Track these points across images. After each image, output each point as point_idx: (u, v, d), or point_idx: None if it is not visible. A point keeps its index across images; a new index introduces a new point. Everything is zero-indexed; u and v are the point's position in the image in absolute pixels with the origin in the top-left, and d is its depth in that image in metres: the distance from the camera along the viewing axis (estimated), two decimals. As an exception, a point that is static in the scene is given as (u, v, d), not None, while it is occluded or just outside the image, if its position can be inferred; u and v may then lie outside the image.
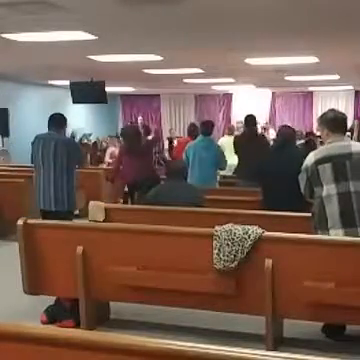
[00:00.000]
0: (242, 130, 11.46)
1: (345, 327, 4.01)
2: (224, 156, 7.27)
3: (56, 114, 5.75)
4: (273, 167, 5.22)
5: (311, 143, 9.18)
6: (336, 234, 3.76)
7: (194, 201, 4.97)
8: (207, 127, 7.41)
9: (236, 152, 7.47)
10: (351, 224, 3.75)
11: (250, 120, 7.57)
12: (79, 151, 5.95)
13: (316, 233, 3.89)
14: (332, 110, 4.25)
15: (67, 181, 5.52)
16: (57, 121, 5.65)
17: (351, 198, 3.76)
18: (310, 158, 3.99)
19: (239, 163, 7.50)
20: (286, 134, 5.48)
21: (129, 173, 7.15)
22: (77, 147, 6.04)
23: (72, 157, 5.57)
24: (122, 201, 8.12)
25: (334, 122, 4.02)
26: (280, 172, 5.07)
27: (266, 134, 13.57)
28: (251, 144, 7.13)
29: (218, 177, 7.93)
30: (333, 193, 3.80)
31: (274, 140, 6.07)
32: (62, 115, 5.78)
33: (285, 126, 6.25)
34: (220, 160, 7.18)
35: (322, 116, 4.15)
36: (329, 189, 3.82)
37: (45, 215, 5.55)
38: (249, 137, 7.41)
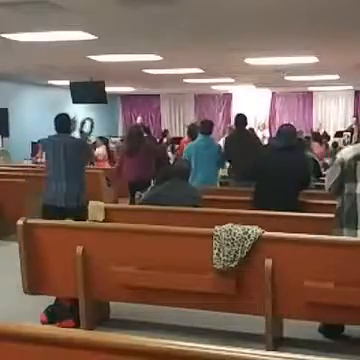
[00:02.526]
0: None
1: (343, 327, 4.01)
2: (224, 155, 7.26)
3: (61, 115, 5.83)
4: (271, 166, 5.10)
5: (302, 143, 9.09)
6: None
7: (192, 202, 4.97)
8: (206, 126, 7.41)
9: (227, 153, 7.33)
10: None
11: (240, 120, 7.49)
12: (88, 149, 6.10)
13: (338, 231, 3.82)
14: None
15: (78, 180, 5.69)
16: (63, 122, 5.74)
17: None
18: (348, 152, 3.85)
19: (231, 164, 7.47)
20: (289, 133, 5.33)
21: (130, 173, 7.17)
22: (86, 145, 6.12)
23: (82, 156, 5.74)
24: (129, 201, 8.03)
25: None
26: (279, 171, 4.99)
27: (261, 133, 13.63)
28: (242, 144, 7.09)
29: (218, 176, 7.92)
30: None
31: (274, 138, 5.93)
32: (67, 115, 5.85)
33: (287, 125, 6.11)
34: (221, 159, 7.18)
35: None
36: None
37: (54, 212, 5.56)
38: (240, 137, 7.35)
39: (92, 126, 6.09)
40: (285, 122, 16.94)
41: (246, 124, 7.58)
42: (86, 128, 6.01)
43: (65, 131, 5.69)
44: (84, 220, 4.94)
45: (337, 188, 3.90)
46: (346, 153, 3.86)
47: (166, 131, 15.85)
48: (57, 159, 5.63)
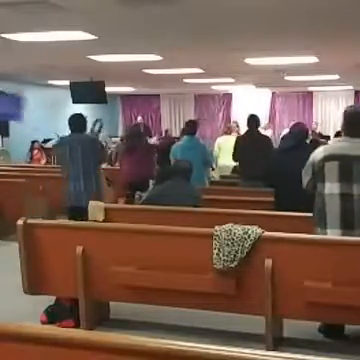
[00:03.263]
0: (237, 130, 11.46)
1: (344, 327, 4.01)
2: (211, 154, 7.21)
3: (75, 115, 5.96)
4: (284, 167, 5.01)
5: (315, 143, 9.11)
6: (333, 234, 3.75)
7: (193, 202, 4.98)
8: (191, 127, 7.38)
9: (235, 152, 7.38)
10: (350, 226, 3.74)
11: (252, 120, 7.44)
12: (102, 148, 6.29)
13: (315, 230, 3.87)
14: (352, 106, 4.11)
15: (95, 178, 5.83)
16: (77, 122, 5.87)
17: (353, 200, 3.74)
18: (318, 153, 3.91)
19: (241, 164, 7.43)
20: (299, 133, 5.26)
21: (130, 173, 7.16)
22: (100, 145, 6.29)
23: (97, 155, 5.89)
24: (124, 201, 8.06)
25: (351, 119, 3.89)
26: (292, 172, 4.93)
27: (264, 133, 13.58)
28: (254, 145, 7.08)
29: (212, 176, 7.89)
30: (336, 192, 3.76)
31: (284, 138, 5.84)
32: (81, 115, 5.98)
33: (298, 123, 6.04)
34: (207, 159, 7.15)
35: (344, 111, 4.00)
36: (332, 188, 3.78)
37: (74, 212, 5.65)
38: (252, 138, 7.34)
39: (101, 127, 6.22)
40: (285, 122, 17.03)
41: (258, 126, 7.53)
42: (96, 128, 6.14)
43: (80, 130, 5.82)
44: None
45: (311, 188, 3.99)
46: (317, 154, 3.93)
47: (167, 132, 15.83)
48: (75, 159, 5.73)
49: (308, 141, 9.46)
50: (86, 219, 5.04)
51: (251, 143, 7.15)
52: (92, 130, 6.10)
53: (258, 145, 7.01)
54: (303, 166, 4.88)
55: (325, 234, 3.80)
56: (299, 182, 4.85)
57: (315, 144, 8.22)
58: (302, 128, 5.44)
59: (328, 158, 3.83)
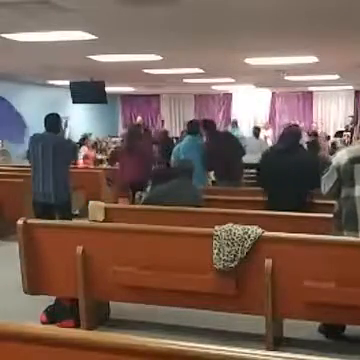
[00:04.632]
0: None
1: (344, 327, 4.02)
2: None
3: (51, 115, 5.99)
4: (279, 168, 5.02)
5: (316, 144, 9.11)
6: None
7: (196, 202, 4.98)
8: (193, 127, 7.38)
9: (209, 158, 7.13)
10: None
11: (210, 126, 7.46)
12: (74, 150, 6.57)
13: (338, 234, 3.82)
14: None
15: (64, 176, 5.88)
16: (52, 122, 5.92)
17: None
18: (342, 156, 3.84)
19: (215, 168, 7.32)
20: (294, 135, 5.26)
21: (130, 173, 7.16)
22: (72, 147, 6.51)
23: (67, 156, 6.04)
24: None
25: None
26: (286, 174, 4.92)
27: (262, 134, 13.59)
28: (220, 147, 7.03)
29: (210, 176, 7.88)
30: None
31: (279, 140, 5.83)
32: (57, 115, 6.02)
33: (292, 125, 6.03)
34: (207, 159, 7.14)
35: None
36: None
37: (43, 208, 5.74)
38: (215, 141, 7.21)
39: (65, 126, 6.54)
40: (285, 122, 17.02)
41: (215, 128, 7.59)
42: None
43: (53, 129, 5.88)
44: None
45: (336, 192, 3.89)
46: (341, 157, 3.86)
47: (163, 122, 15.71)
48: (46, 157, 5.78)
49: (304, 143, 9.52)
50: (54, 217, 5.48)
51: (214, 145, 7.04)
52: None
53: (222, 146, 6.95)
54: (297, 169, 4.87)
55: (356, 237, 3.73)
56: (291, 185, 4.85)
57: (315, 146, 8.23)
58: (293, 131, 5.42)
59: (354, 161, 3.76)
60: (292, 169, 4.91)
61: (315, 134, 12.09)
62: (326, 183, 3.94)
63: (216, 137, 7.34)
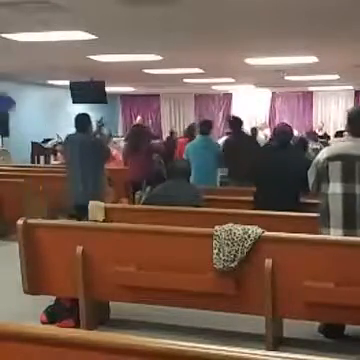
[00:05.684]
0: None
1: (344, 327, 4.01)
2: (222, 159, 7.24)
3: (80, 115, 6.08)
4: (270, 166, 5.08)
5: (303, 144, 9.06)
6: (336, 233, 3.76)
7: (194, 201, 4.97)
8: (206, 127, 7.42)
9: (225, 158, 7.28)
10: (352, 226, 3.74)
11: (236, 123, 7.57)
12: (104, 149, 6.38)
13: (320, 231, 3.87)
14: (356, 106, 4.17)
15: (96, 177, 5.95)
16: (81, 122, 6.00)
17: (356, 200, 3.74)
18: (322, 153, 3.93)
19: (230, 165, 7.42)
20: (284, 133, 5.30)
21: (132, 172, 7.19)
22: (102, 146, 6.40)
23: (98, 156, 6.02)
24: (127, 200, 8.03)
25: (354, 118, 3.94)
26: (277, 172, 4.96)
27: (261, 133, 13.58)
28: (240, 146, 7.09)
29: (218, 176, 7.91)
30: (339, 192, 3.77)
31: (271, 139, 5.90)
32: (86, 115, 6.08)
33: (283, 124, 6.11)
34: (220, 159, 7.17)
35: (348, 110, 4.09)
36: (335, 187, 3.79)
37: (79, 210, 5.70)
38: (236, 142, 7.35)
39: (102, 126, 6.47)
40: (285, 122, 17.02)
41: (242, 126, 7.64)
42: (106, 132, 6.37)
43: (83, 129, 5.94)
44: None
45: (317, 188, 4.00)
46: (321, 155, 3.94)
47: (172, 134, 15.55)
48: (76, 158, 5.86)
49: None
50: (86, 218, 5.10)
51: (238, 145, 7.19)
52: (99, 133, 6.25)
53: (244, 146, 7.05)
54: (287, 167, 4.92)
55: (328, 234, 3.80)
56: (280, 183, 4.88)
57: (303, 144, 8.22)
58: (285, 130, 5.43)
59: (331, 158, 3.83)
60: (281, 167, 4.97)
61: (327, 137, 12.10)
62: (309, 178, 4.06)
63: (239, 136, 7.41)
